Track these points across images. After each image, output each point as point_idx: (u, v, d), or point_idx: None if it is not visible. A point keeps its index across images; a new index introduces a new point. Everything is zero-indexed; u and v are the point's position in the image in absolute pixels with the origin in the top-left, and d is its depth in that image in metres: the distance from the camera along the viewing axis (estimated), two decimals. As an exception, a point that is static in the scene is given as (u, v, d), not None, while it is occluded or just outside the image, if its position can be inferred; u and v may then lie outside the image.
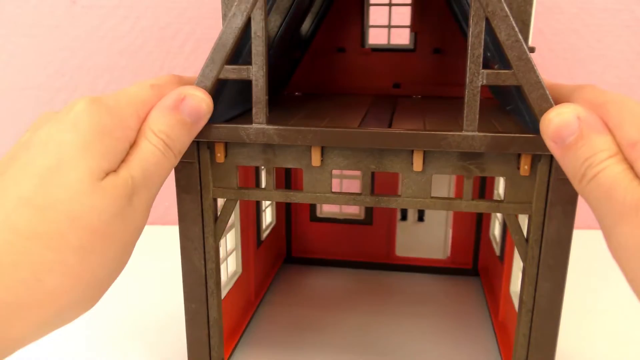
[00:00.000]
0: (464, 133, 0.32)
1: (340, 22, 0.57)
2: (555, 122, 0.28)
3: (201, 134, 0.34)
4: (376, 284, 0.60)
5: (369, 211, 0.62)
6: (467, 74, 0.31)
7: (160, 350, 0.47)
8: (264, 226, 0.57)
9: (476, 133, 0.32)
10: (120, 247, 0.28)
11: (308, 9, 0.49)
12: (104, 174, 0.27)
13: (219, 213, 0.38)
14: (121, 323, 0.51)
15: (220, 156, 0.36)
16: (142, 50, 0.70)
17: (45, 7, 0.70)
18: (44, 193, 0.25)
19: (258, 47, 0.33)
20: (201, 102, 0.32)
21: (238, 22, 0.32)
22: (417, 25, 0.56)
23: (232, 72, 0.33)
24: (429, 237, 0.62)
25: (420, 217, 0.61)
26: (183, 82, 0.34)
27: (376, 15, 0.58)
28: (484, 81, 0.31)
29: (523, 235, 0.35)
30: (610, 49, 0.68)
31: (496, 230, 0.56)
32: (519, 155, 0.33)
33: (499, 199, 0.35)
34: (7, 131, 0.75)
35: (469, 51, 0.31)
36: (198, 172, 0.36)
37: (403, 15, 0.58)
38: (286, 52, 0.49)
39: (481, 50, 0.31)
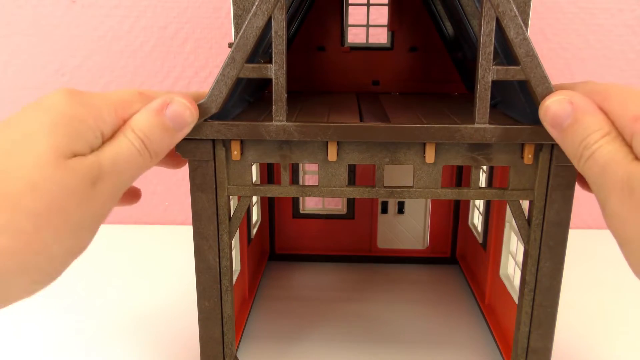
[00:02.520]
0: (476, 125, 0.34)
1: (320, 21, 0.58)
2: (552, 108, 0.31)
3: (219, 132, 0.35)
4: (361, 276, 0.61)
5: (350, 206, 0.64)
6: (479, 70, 0.33)
7: (169, 348, 0.46)
8: (253, 223, 0.58)
9: (487, 125, 0.34)
10: (75, 226, 0.28)
11: (297, 10, 0.50)
12: (70, 154, 0.27)
13: (232, 211, 0.39)
14: (125, 322, 0.51)
15: (236, 154, 0.36)
16: (142, 50, 0.69)
17: (45, 7, 0.68)
18: (7, 160, 0.26)
19: (279, 46, 0.33)
20: (185, 109, 0.32)
21: (259, 21, 0.33)
22: (394, 25, 0.58)
23: (252, 71, 0.34)
24: (408, 228, 0.64)
25: (400, 210, 0.64)
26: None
27: (355, 14, 0.60)
28: (495, 77, 0.33)
29: (525, 219, 0.37)
30: (610, 49, 0.70)
31: (476, 218, 0.59)
32: (523, 145, 0.36)
33: (503, 187, 0.37)
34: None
35: (481, 49, 0.33)
36: (213, 170, 0.36)
37: (381, 15, 0.60)
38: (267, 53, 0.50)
39: (492, 48, 0.33)
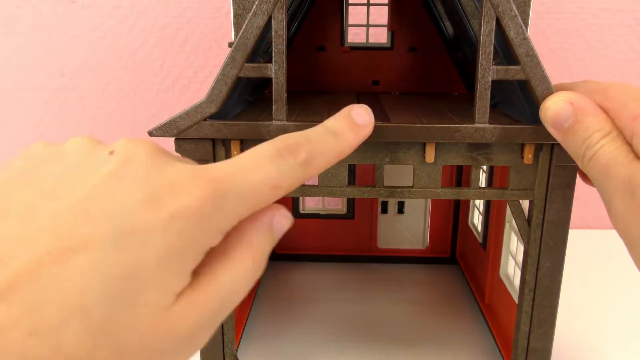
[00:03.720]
0: (476, 125, 0.34)
1: (320, 21, 0.58)
2: (552, 109, 0.31)
3: (219, 131, 0.35)
4: (361, 276, 0.61)
5: (350, 205, 0.64)
6: (479, 70, 0.33)
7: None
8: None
9: (487, 125, 0.34)
10: None
11: (297, 10, 0.50)
12: (173, 299, 0.20)
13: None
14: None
15: (236, 154, 0.36)
16: (142, 50, 0.69)
17: (45, 7, 0.68)
18: (111, 314, 0.18)
19: (279, 46, 0.33)
20: (288, 221, 0.25)
21: (259, 21, 0.33)
22: (394, 25, 0.58)
23: (252, 71, 0.34)
24: (408, 228, 0.64)
25: (400, 210, 0.63)
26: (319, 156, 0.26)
27: (354, 14, 0.60)
28: (494, 76, 0.33)
29: (525, 219, 0.37)
30: (610, 49, 0.69)
31: (476, 218, 0.59)
32: (523, 145, 0.36)
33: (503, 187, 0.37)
34: (7, 131, 0.74)
35: (480, 48, 0.33)
36: (214, 170, 0.36)
37: (381, 15, 0.60)
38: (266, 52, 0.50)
39: (492, 48, 0.33)
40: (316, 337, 0.49)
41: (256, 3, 0.32)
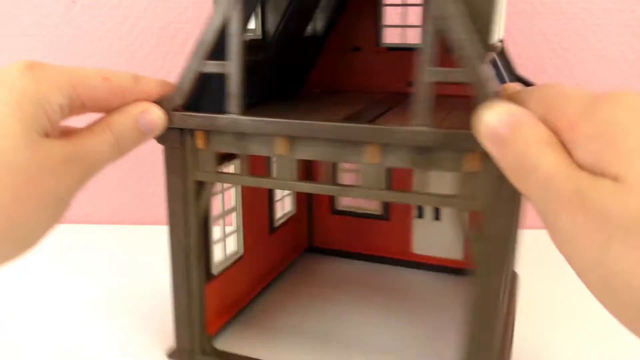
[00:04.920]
0: (414, 128, 0.33)
1: (355, 21, 0.58)
2: (486, 121, 0.29)
3: (184, 122, 0.38)
4: (390, 279, 0.61)
5: (386, 207, 0.63)
6: (419, 71, 0.33)
7: (156, 327, 0.50)
8: (278, 214, 0.60)
9: (425, 128, 0.33)
10: (53, 198, 0.31)
11: (312, 8, 0.51)
12: (40, 133, 0.30)
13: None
14: (125, 322, 0.52)
15: (201, 143, 0.39)
16: (142, 50, 0.72)
17: (45, 7, 0.71)
18: None
19: (233, 46, 0.36)
20: (158, 118, 0.37)
21: (216, 22, 0.36)
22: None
23: (213, 67, 0.37)
24: (445, 236, 0.62)
25: (437, 216, 0.62)
26: (140, 83, 0.37)
27: (390, 15, 0.60)
28: (434, 78, 0.32)
29: (467, 230, 0.35)
30: (610, 49, 0.68)
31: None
32: (467, 151, 0.33)
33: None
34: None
35: (422, 49, 0.32)
36: (183, 156, 0.40)
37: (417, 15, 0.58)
38: (294, 51, 0.52)
39: (433, 49, 0.32)
40: (316, 337, 0.49)
41: (215, 5, 0.35)
